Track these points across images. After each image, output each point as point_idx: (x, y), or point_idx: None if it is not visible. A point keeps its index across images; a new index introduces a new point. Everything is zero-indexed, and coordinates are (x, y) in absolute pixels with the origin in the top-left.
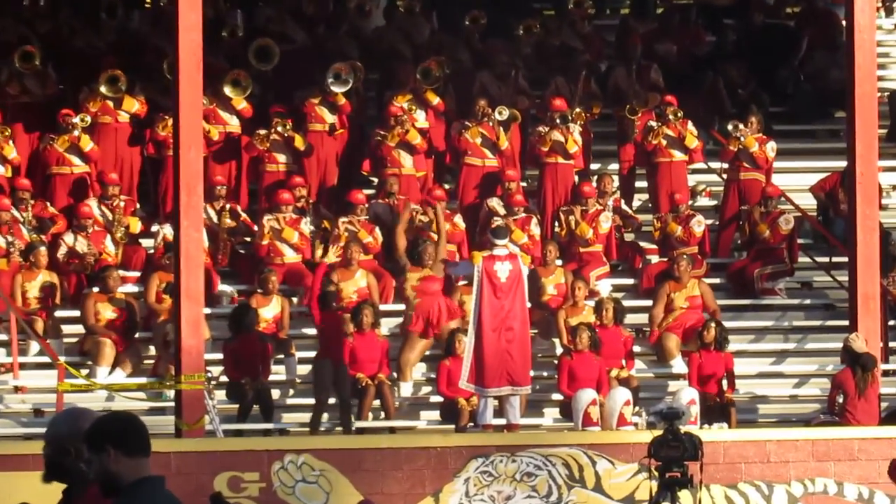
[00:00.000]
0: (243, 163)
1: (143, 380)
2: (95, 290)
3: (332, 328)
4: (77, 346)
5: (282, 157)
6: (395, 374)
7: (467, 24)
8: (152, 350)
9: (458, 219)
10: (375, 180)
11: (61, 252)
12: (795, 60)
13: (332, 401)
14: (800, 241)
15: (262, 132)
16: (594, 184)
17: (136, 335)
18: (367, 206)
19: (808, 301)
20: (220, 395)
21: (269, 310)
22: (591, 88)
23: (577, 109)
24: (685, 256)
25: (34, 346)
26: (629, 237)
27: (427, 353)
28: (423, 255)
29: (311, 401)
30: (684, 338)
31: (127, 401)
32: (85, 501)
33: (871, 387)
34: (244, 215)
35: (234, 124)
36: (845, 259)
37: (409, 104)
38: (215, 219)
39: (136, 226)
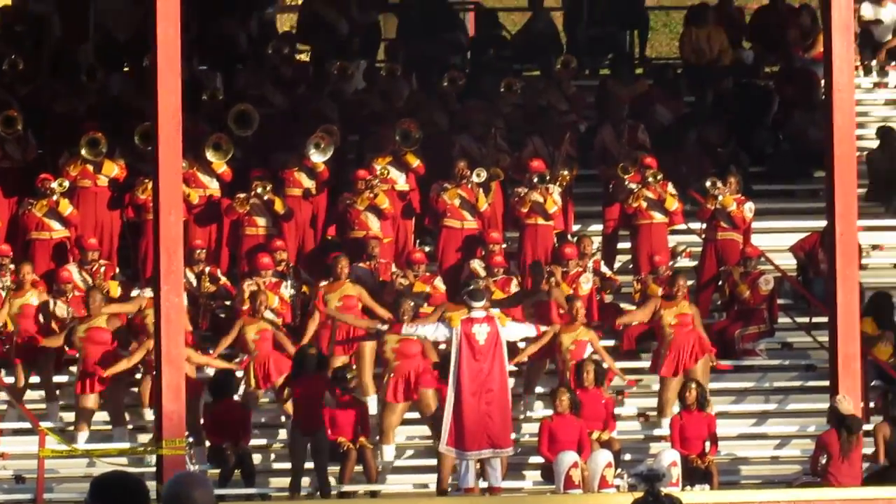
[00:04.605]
0: (224, 226)
1: (125, 445)
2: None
3: (307, 396)
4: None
5: (261, 221)
6: (376, 438)
7: (444, 86)
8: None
9: (438, 281)
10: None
11: (41, 318)
12: (769, 120)
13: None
14: (780, 301)
15: (242, 195)
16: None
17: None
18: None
19: (788, 362)
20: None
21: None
22: (570, 149)
23: (563, 171)
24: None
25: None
26: (608, 298)
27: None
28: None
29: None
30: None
31: (108, 466)
32: None
33: (855, 449)
34: (224, 279)
35: (213, 187)
36: (826, 319)
37: (385, 168)
38: (195, 283)
39: (115, 290)
